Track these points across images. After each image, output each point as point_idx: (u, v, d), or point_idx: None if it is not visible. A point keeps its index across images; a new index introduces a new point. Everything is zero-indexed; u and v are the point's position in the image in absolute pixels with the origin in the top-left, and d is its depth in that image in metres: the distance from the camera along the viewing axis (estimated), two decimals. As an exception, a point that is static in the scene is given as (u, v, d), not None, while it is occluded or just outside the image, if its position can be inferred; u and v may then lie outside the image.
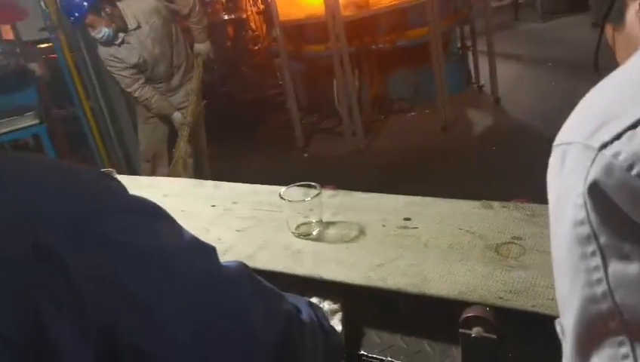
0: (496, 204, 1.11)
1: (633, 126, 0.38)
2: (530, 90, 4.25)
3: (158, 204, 0.55)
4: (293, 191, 1.09)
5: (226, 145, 4.03)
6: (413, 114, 4.20)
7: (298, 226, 1.07)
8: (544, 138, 3.04)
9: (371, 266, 0.97)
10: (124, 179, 1.31)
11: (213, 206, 1.28)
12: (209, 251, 0.57)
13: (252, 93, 4.80)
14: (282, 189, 1.09)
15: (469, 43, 4.37)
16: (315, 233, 1.07)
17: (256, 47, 4.93)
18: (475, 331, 0.84)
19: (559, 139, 0.46)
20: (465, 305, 0.88)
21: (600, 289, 0.38)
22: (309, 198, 1.06)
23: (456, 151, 3.48)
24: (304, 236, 1.07)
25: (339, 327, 0.95)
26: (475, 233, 1.02)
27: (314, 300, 0.95)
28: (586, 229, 0.39)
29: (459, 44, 4.45)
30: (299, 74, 4.21)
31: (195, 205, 1.30)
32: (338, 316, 0.95)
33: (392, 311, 0.98)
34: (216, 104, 3.62)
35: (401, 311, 0.97)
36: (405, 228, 1.07)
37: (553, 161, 0.46)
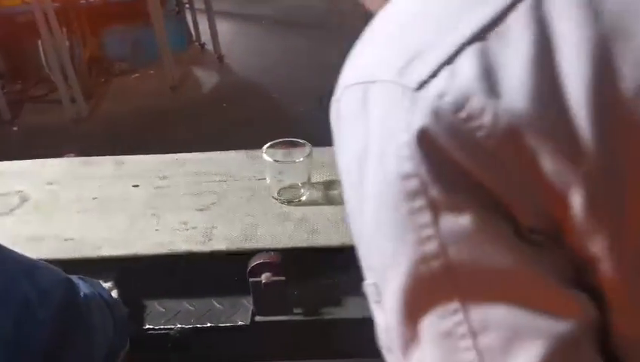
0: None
1: (449, 60, 0.33)
2: (250, 47, 4.40)
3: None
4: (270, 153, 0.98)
5: None
6: (136, 75, 3.96)
7: (281, 191, 0.98)
8: (269, 92, 3.23)
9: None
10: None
11: (136, 186, 1.03)
12: None
13: None
14: (263, 149, 0.97)
15: (185, 0, 4.27)
16: (304, 198, 0.99)
17: None
18: (265, 277, 0.84)
19: (351, 76, 0.38)
20: (250, 254, 0.87)
21: (431, 246, 0.34)
22: (300, 158, 0.97)
23: (188, 111, 3.42)
24: (289, 201, 0.98)
25: (118, 304, 0.86)
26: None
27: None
28: (414, 183, 0.34)
29: (175, 1, 4.32)
30: (-9, 34, 3.56)
31: (110, 189, 1.04)
32: (114, 293, 0.86)
33: (171, 277, 0.93)
34: None
35: (183, 275, 0.92)
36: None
37: (346, 105, 0.38)
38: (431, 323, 0.35)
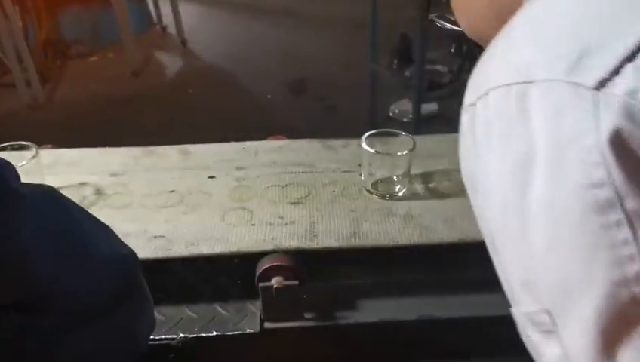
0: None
1: (631, 57, 0.30)
2: (214, 32, 4.26)
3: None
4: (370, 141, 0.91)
5: None
6: (94, 58, 3.78)
7: (375, 183, 0.92)
8: (236, 78, 3.11)
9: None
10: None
11: (212, 177, 0.96)
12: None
13: None
14: (362, 140, 0.90)
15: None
16: (401, 193, 0.91)
17: None
18: (276, 281, 0.79)
19: (499, 77, 0.35)
20: (259, 256, 0.82)
21: (635, 266, 0.30)
22: (403, 152, 0.89)
23: (152, 97, 3.29)
24: (384, 196, 0.91)
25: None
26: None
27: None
28: (606, 192, 0.30)
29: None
30: None
31: (185, 181, 0.95)
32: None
33: (171, 282, 0.86)
34: None
35: (186, 279, 0.85)
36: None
37: (496, 108, 0.34)
38: (632, 358, 0.31)
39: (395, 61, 2.71)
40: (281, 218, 0.87)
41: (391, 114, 2.90)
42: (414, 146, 0.90)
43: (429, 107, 2.71)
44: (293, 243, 0.82)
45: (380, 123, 2.73)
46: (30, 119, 3.11)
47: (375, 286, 0.86)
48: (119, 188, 0.94)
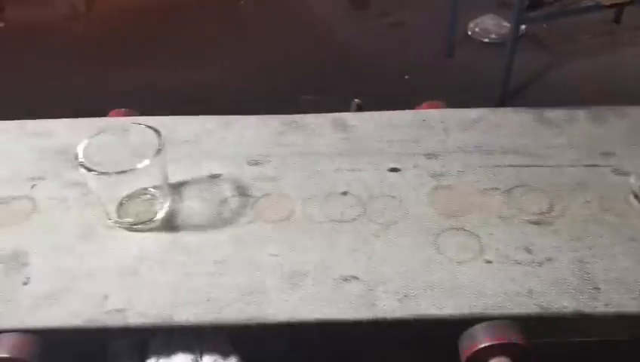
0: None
1: None
2: None
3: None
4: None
5: None
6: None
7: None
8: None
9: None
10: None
11: (395, 170, 0.69)
12: None
13: None
14: None
15: None
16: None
17: None
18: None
19: None
20: (467, 324, 0.55)
21: None
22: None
23: (198, 7, 2.91)
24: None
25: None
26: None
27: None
28: None
29: None
30: None
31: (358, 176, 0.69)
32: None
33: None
34: None
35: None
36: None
37: None
38: None
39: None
40: (527, 250, 0.58)
41: (469, 32, 2.49)
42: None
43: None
44: (564, 301, 0.54)
45: (455, 43, 2.34)
46: (68, 30, 2.80)
47: None
48: (266, 185, 0.67)
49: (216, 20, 2.81)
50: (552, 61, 2.26)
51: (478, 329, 0.52)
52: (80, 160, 0.58)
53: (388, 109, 0.76)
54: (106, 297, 0.55)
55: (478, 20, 2.51)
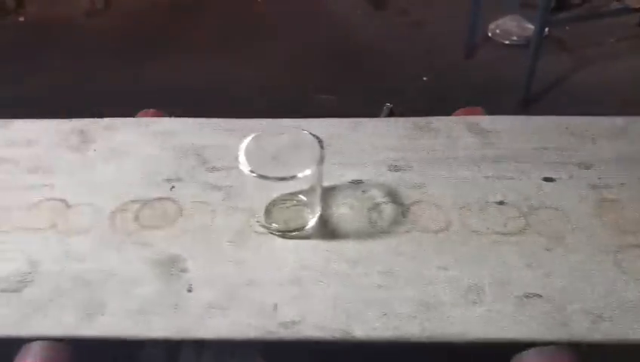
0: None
1: None
2: None
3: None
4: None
5: None
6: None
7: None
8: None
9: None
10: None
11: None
12: None
13: None
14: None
15: None
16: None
17: None
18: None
19: None
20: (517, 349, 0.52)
21: None
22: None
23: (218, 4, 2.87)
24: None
25: None
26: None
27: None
28: None
29: None
30: None
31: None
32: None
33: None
34: None
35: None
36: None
37: None
38: None
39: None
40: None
41: (490, 34, 2.46)
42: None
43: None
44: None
45: (475, 44, 2.31)
46: (87, 26, 2.74)
47: None
48: (413, 192, 0.64)
49: (233, 18, 2.77)
50: (575, 65, 2.23)
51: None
52: (241, 162, 0.55)
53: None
54: (275, 307, 0.52)
55: (500, 22, 2.47)
